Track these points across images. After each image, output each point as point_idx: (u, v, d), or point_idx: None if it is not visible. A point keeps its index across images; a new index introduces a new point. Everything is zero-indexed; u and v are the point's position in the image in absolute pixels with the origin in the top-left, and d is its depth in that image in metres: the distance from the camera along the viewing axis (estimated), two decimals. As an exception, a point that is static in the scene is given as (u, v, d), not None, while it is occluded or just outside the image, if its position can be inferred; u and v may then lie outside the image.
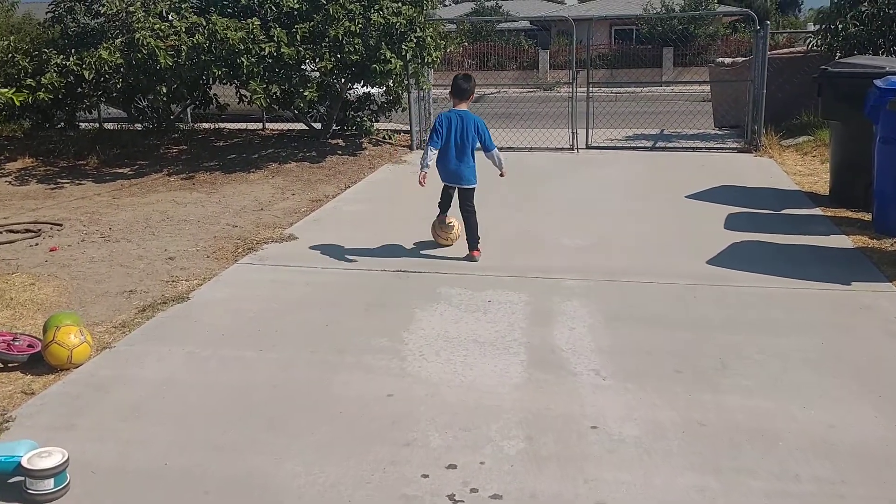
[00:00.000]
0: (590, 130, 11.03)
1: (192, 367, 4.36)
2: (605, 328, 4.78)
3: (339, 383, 4.11)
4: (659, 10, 29.44)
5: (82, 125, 13.70)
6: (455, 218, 6.53)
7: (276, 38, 9.36)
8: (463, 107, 6.17)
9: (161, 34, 9.13)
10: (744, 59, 12.67)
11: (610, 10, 32.60)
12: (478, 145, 6.22)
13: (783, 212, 7.43)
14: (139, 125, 13.03)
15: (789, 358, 4.29)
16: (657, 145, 11.25)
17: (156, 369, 4.31)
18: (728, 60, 12.73)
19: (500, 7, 37.83)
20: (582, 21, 32.21)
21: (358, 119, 11.93)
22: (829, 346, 4.46)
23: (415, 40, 9.86)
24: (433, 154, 6.15)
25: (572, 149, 10.95)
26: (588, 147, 11.05)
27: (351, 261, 6.24)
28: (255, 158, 10.69)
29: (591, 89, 10.93)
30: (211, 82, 10.74)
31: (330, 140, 11.39)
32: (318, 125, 12.00)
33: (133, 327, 4.92)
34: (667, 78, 29.90)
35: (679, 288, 5.45)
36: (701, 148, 10.78)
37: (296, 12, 9.79)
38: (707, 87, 16.77)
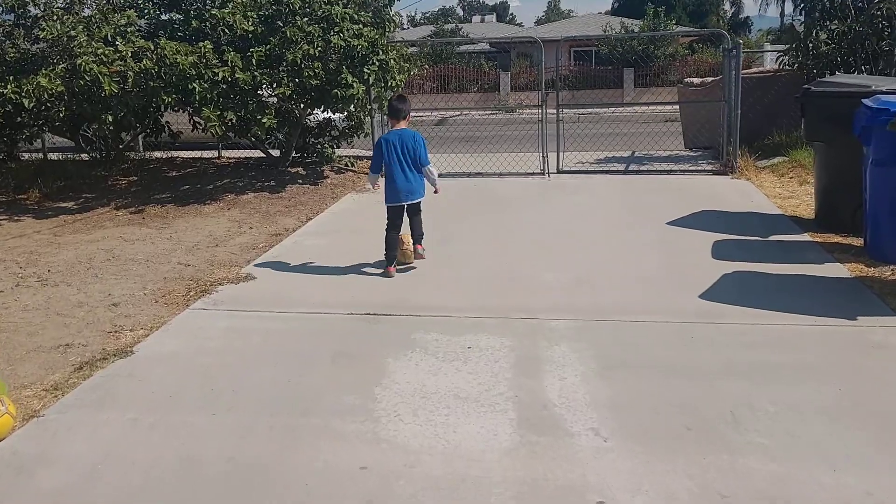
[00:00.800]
0: (561, 154, 10.65)
1: (134, 438, 3.78)
2: (599, 377, 4.31)
3: (304, 454, 3.58)
4: (618, 32, 29.47)
5: (26, 156, 12.99)
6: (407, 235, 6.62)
7: (230, 63, 8.84)
8: (401, 125, 6.39)
9: (105, 59, 8.54)
10: (713, 79, 12.46)
11: (568, 31, 32.60)
12: None
13: (771, 238, 7.07)
14: (86, 155, 12.33)
15: (805, 409, 3.86)
16: (630, 168, 10.91)
17: (91, 443, 3.73)
18: (697, 81, 12.51)
19: (460, 29, 37.76)
20: (547, 42, 32.18)
21: (319, 146, 11.41)
22: (845, 393, 4.04)
23: (377, 63, 9.42)
24: (375, 178, 6.61)
25: (543, 174, 10.56)
26: (559, 171, 10.67)
27: (314, 303, 5.71)
28: (210, 189, 10.10)
29: (560, 112, 10.54)
30: (163, 109, 10.15)
31: (289, 168, 10.85)
32: (276, 152, 11.46)
33: (67, 389, 4.33)
34: (628, 98, 29.90)
35: (674, 327, 5.02)
36: (675, 171, 10.46)
37: (251, 35, 9.29)
38: (670, 108, 16.69)
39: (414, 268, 6.57)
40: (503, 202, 9.13)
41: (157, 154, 12.81)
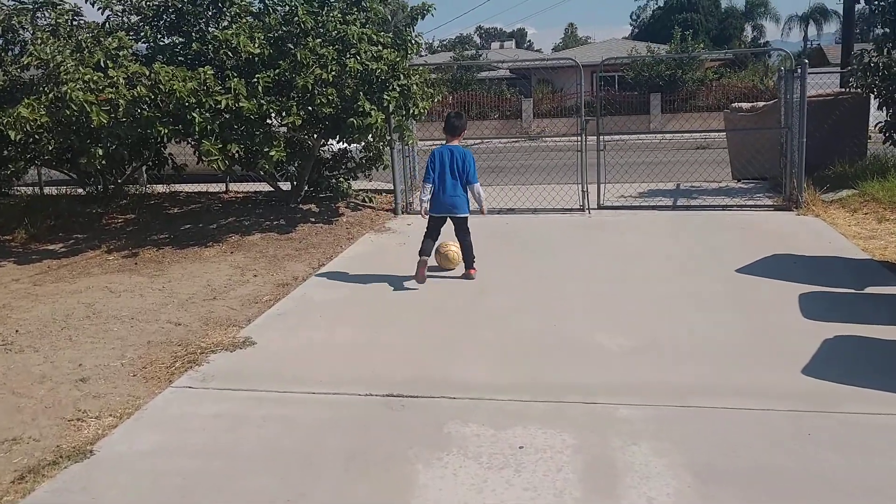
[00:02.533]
0: (602, 188, 9.60)
1: None
2: (701, 498, 3.22)
3: None
4: (645, 56, 28.52)
5: (24, 190, 12.12)
6: (451, 241, 6.89)
7: (233, 90, 7.88)
8: (454, 142, 6.68)
9: (94, 87, 7.61)
10: (764, 103, 11.40)
11: (593, 56, 31.68)
12: None
13: (867, 290, 5.95)
14: (83, 189, 11.40)
15: None
16: (679, 203, 9.83)
17: None
18: (746, 105, 11.46)
19: (480, 55, 37.00)
20: (566, 69, 31.29)
21: (333, 180, 10.42)
22: None
23: (398, 89, 8.43)
24: (429, 189, 6.61)
25: (583, 210, 9.50)
26: (601, 207, 9.61)
27: (324, 379, 4.65)
28: (212, 229, 9.12)
29: (602, 141, 9.50)
30: (164, 141, 9.20)
31: (301, 205, 9.85)
32: (288, 185, 10.45)
33: (-4, 515, 3.30)
34: (655, 124, 28.86)
35: (779, 418, 3.92)
36: (732, 206, 9.36)
37: (257, 59, 8.34)
38: (700, 135, 15.64)
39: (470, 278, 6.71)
40: (541, 244, 8.07)
41: (161, 188, 11.87)
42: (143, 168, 11.49)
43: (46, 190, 12.27)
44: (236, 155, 8.55)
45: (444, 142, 6.78)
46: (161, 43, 9.22)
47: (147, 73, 7.79)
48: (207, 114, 7.93)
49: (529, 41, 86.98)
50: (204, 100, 7.87)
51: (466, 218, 6.67)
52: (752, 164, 10.94)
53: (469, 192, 6.63)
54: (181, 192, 11.63)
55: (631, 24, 68.53)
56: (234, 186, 12.06)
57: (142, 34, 8.99)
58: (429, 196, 6.60)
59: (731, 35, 53.17)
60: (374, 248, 8.19)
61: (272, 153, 8.04)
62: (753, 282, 6.31)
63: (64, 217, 9.85)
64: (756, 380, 4.41)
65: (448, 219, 6.67)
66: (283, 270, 7.43)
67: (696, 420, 3.95)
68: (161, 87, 7.65)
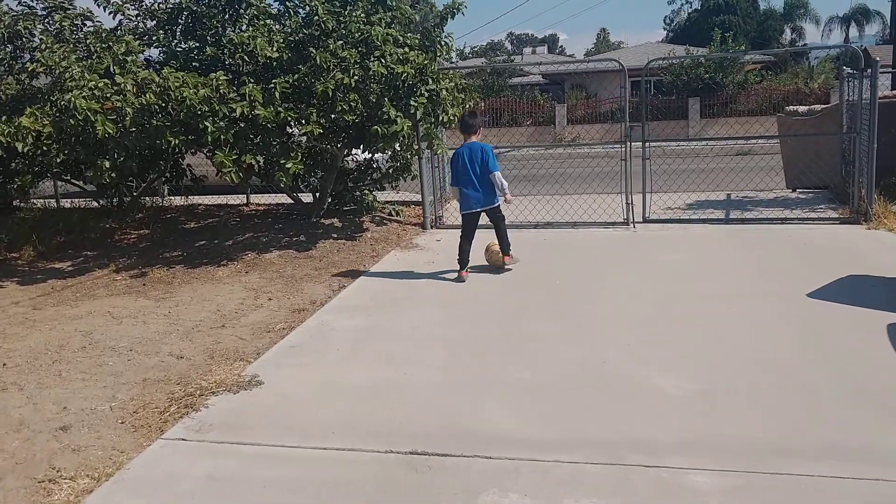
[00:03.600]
0: (648, 199, 8.84)
1: None
2: None
3: None
4: (696, 56, 27.57)
5: (38, 202, 11.68)
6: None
7: (248, 96, 7.29)
8: (472, 139, 6.94)
9: (100, 94, 7.06)
10: (822, 106, 10.56)
11: (629, 60, 30.81)
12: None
13: (966, 321, 5.15)
14: (99, 202, 10.91)
15: None
16: (731, 216, 9.03)
17: None
18: (803, 108, 10.62)
19: (513, 61, 36.33)
20: (601, 73, 30.45)
21: (357, 192, 9.79)
22: None
23: (426, 94, 7.78)
24: (456, 190, 6.98)
25: (627, 223, 8.76)
26: (646, 220, 8.85)
27: (339, 430, 3.99)
28: (228, 246, 8.53)
29: (647, 149, 8.75)
30: (181, 151, 8.66)
31: (323, 219, 9.23)
32: (310, 196, 9.83)
33: None
34: (693, 130, 27.89)
35: (891, 490, 3.17)
36: (791, 219, 8.55)
37: (275, 63, 7.75)
38: (741, 140, 14.77)
39: (509, 269, 7.07)
40: (583, 262, 7.35)
41: (180, 200, 11.35)
42: (162, 180, 10.98)
43: (64, 202, 11.81)
44: (254, 166, 7.96)
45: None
46: (175, 48, 8.68)
47: (156, 79, 7.23)
48: (221, 122, 7.37)
49: (561, 46, 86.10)
50: (217, 107, 7.29)
51: (498, 206, 6.94)
52: (809, 172, 10.11)
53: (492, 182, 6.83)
54: (200, 204, 11.11)
55: (664, 28, 67.38)
56: (255, 198, 11.51)
57: (154, 38, 8.44)
58: (457, 194, 6.96)
59: (770, 37, 51.85)
60: (400, 266, 7.52)
61: (289, 165, 7.43)
62: (829, 308, 5.53)
63: (75, 232, 9.34)
64: (849, 434, 3.66)
65: (482, 213, 6.95)
66: (300, 293, 6.80)
67: (789, 492, 3.22)
68: (171, 94, 7.08)
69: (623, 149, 8.73)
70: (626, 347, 4.97)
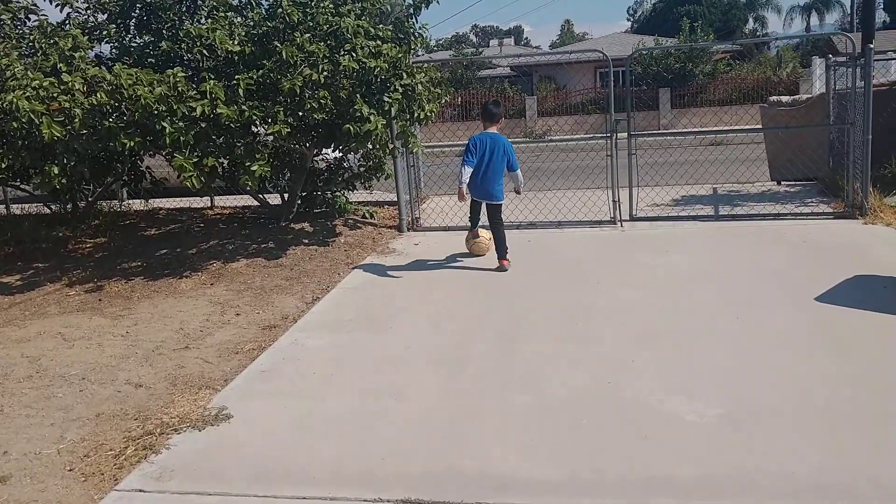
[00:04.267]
0: (634, 197, 8.45)
1: None
2: None
3: None
4: (651, 49, 27.38)
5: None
6: (484, 229, 7.16)
7: (209, 94, 6.73)
8: (493, 129, 6.91)
9: (46, 94, 6.47)
10: (807, 96, 10.25)
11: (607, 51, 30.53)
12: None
13: None
14: (51, 208, 10.24)
15: None
16: (721, 212, 8.67)
17: None
18: (787, 98, 10.31)
19: (481, 52, 35.86)
20: (570, 65, 30.16)
21: (329, 193, 9.26)
22: None
23: (401, 89, 7.29)
24: (468, 172, 6.74)
25: (614, 222, 8.35)
26: (633, 218, 8.45)
27: (317, 474, 3.52)
28: (192, 255, 7.96)
29: (634, 144, 8.34)
30: (134, 154, 8.08)
31: (292, 224, 8.69)
32: (277, 197, 9.27)
33: None
34: (665, 121, 27.70)
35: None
36: (784, 214, 8.20)
37: (237, 58, 7.20)
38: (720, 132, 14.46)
39: (501, 273, 6.88)
40: (573, 267, 6.91)
41: (140, 205, 10.72)
42: (120, 183, 10.35)
43: (15, 208, 11.10)
44: (217, 169, 7.41)
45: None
46: (129, 43, 8.08)
47: (107, 76, 6.64)
48: (180, 123, 6.79)
49: (526, 38, 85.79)
50: (175, 106, 6.72)
51: (501, 205, 6.89)
52: (795, 165, 9.78)
53: (510, 178, 6.97)
54: (161, 209, 10.50)
55: (628, 19, 67.46)
56: (220, 201, 10.91)
57: (105, 33, 7.83)
58: (467, 179, 6.73)
59: (735, 27, 52.02)
60: (378, 274, 7.03)
61: (255, 168, 6.89)
62: (844, 314, 5.16)
63: (25, 242, 8.69)
64: (899, 469, 3.27)
65: (484, 204, 6.96)
66: (270, 307, 6.29)
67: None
68: (124, 92, 6.51)
69: (608, 143, 8.31)
70: (633, 366, 4.55)
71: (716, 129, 9.21)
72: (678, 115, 27.36)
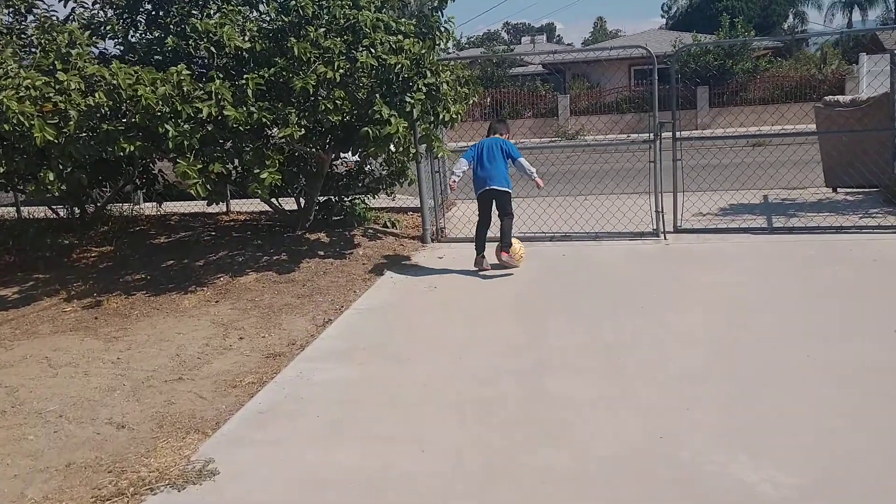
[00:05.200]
0: (679, 207, 7.74)
1: None
2: None
3: None
4: (690, 45, 26.45)
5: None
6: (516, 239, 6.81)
7: (214, 94, 6.17)
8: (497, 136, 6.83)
9: (38, 95, 5.95)
10: (869, 95, 9.44)
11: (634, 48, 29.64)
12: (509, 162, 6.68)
13: None
14: (58, 213, 9.80)
15: None
16: (775, 223, 7.92)
17: None
18: (845, 98, 9.51)
19: (513, 50, 35.12)
20: (602, 62, 29.33)
21: (347, 201, 8.66)
22: None
23: (424, 89, 6.66)
24: (463, 163, 6.65)
25: (657, 234, 7.65)
26: (677, 230, 7.75)
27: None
28: (199, 267, 7.41)
29: (679, 149, 7.63)
30: (137, 159, 7.55)
31: (308, 234, 8.10)
32: (293, 202, 8.69)
33: None
34: (703, 120, 26.76)
35: None
36: (848, 228, 7.43)
37: (247, 56, 6.63)
38: (754, 130, 13.59)
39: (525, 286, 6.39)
40: (612, 287, 6.22)
41: (153, 209, 10.23)
42: (132, 186, 9.88)
43: (25, 211, 10.68)
44: (227, 175, 6.86)
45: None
46: (133, 40, 7.55)
47: (106, 74, 6.10)
48: (185, 125, 6.24)
49: (558, 35, 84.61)
50: (180, 108, 6.17)
51: (509, 194, 6.63)
52: (854, 170, 8.99)
53: (517, 170, 6.73)
54: (173, 214, 9.99)
55: (662, 16, 66.03)
56: (236, 205, 10.41)
57: (108, 28, 7.30)
58: (461, 170, 6.62)
59: (775, 22, 50.64)
60: (397, 293, 6.41)
61: (264, 175, 6.31)
62: (934, 353, 4.43)
63: (27, 250, 8.22)
64: None
65: (492, 199, 6.66)
66: (277, 329, 5.70)
67: None
68: (122, 92, 5.97)
69: (652, 148, 7.61)
70: (686, 415, 3.87)
71: (770, 132, 8.45)
72: (717, 114, 26.39)
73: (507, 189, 6.63)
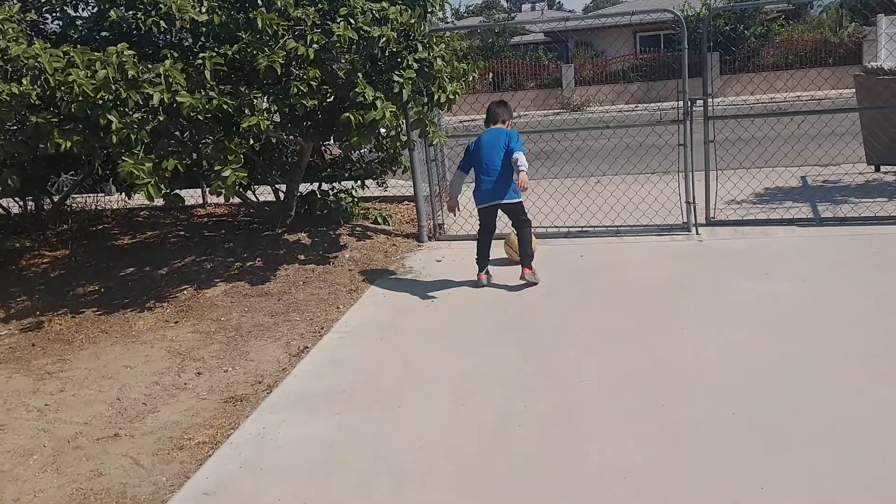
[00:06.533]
0: (711, 194, 6.75)
1: None
2: None
3: None
4: (699, 10, 25.22)
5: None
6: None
7: (163, 76, 5.16)
8: (497, 126, 5.66)
9: (-51, 83, 4.95)
10: (919, 61, 8.38)
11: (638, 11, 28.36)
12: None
13: None
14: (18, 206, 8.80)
15: None
16: (821, 213, 6.91)
17: None
18: (890, 65, 8.45)
19: (513, 17, 33.83)
20: (606, 29, 28.13)
21: (331, 195, 7.65)
22: None
23: (415, 65, 5.65)
24: (461, 176, 5.69)
25: (688, 228, 6.66)
26: (710, 222, 6.76)
27: None
28: (161, 277, 6.45)
29: (712, 128, 6.61)
30: (84, 156, 6.57)
31: (287, 235, 7.11)
32: (271, 193, 7.70)
33: None
34: (714, 88, 25.56)
35: None
36: (909, 217, 6.43)
37: (202, 30, 5.61)
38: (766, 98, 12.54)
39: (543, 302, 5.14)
40: (642, 299, 5.21)
41: (119, 202, 9.24)
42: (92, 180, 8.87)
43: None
44: (190, 170, 5.88)
45: None
46: (76, 15, 6.52)
47: (33, 56, 5.09)
48: (135, 115, 5.25)
49: (559, 2, 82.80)
50: (125, 94, 5.17)
51: (520, 203, 5.59)
52: (901, 147, 7.98)
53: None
54: (142, 208, 8.99)
55: (667, -21, 64.31)
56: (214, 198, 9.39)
57: (43, 3, 6.25)
58: (461, 186, 5.76)
59: (782, -15, 49.03)
60: (387, 310, 5.43)
61: (226, 173, 5.31)
62: None
63: (-29, 257, 7.26)
64: None
65: (499, 209, 5.60)
66: (243, 360, 4.75)
67: None
68: (48, 78, 4.96)
69: (682, 129, 6.59)
70: (754, 482, 2.92)
71: (811, 110, 7.36)
72: (728, 81, 25.23)
73: (517, 200, 5.55)
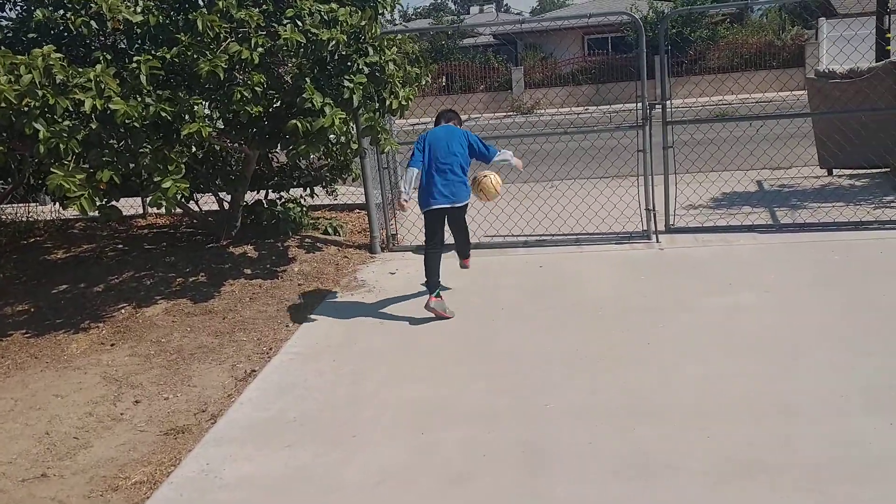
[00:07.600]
0: (671, 201, 6.62)
1: None
2: None
3: None
4: (647, 13, 25.46)
5: None
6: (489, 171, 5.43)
7: (94, 81, 4.81)
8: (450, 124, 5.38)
9: None
10: (870, 65, 8.38)
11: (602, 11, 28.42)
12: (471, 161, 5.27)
13: None
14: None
15: None
16: (780, 218, 6.84)
17: None
18: (842, 69, 8.45)
19: (462, 20, 33.68)
20: (556, 31, 28.20)
21: (278, 206, 7.32)
22: None
23: (366, 69, 5.39)
24: (412, 175, 5.12)
25: (647, 236, 6.51)
26: (670, 229, 6.63)
27: None
28: (96, 295, 6.06)
29: (670, 132, 6.49)
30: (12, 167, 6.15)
31: (233, 247, 6.77)
32: (213, 201, 7.36)
33: None
34: (661, 91, 25.75)
35: None
36: (868, 223, 6.34)
37: (137, 31, 5.26)
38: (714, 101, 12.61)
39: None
40: (605, 315, 5.00)
41: (53, 213, 8.77)
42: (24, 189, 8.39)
43: None
44: (126, 181, 5.51)
45: None
46: (1, 15, 6.11)
47: (-52, 62, 4.69)
48: (65, 123, 4.88)
49: (506, 4, 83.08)
50: (53, 101, 4.79)
51: (466, 205, 5.27)
52: (853, 150, 7.97)
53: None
54: (77, 220, 8.51)
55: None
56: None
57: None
58: (412, 186, 5.14)
59: (724, -11, 49.91)
60: (339, 330, 5.14)
61: (167, 184, 4.98)
62: None
63: None
64: None
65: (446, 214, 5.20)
66: (185, 386, 4.43)
67: None
68: (-36, 85, 4.58)
69: (640, 135, 6.45)
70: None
71: (770, 114, 7.23)
72: (675, 84, 25.42)
73: (468, 202, 5.22)
